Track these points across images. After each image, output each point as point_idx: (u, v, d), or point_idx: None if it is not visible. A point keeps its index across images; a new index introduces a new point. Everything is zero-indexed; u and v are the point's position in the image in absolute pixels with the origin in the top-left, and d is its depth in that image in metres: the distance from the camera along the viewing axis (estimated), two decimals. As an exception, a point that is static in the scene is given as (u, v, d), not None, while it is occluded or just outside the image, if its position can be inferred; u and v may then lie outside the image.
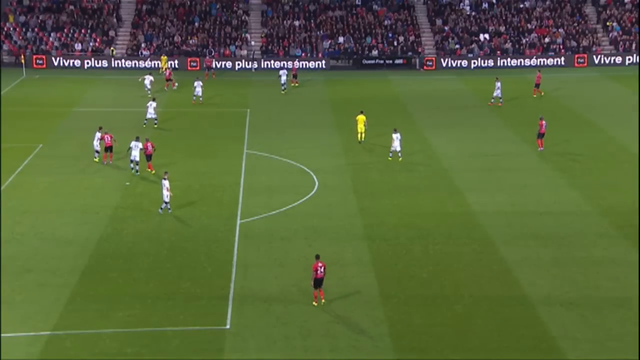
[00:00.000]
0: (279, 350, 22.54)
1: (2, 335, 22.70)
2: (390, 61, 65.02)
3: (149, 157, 36.58)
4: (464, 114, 49.29)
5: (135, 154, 36.06)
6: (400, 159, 39.42)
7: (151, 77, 52.92)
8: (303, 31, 67.01)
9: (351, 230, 31.20)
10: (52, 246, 28.98)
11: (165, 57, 62.06)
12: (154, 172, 36.32)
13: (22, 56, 59.66)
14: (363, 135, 42.34)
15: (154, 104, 44.90)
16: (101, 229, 30.53)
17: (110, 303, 24.75)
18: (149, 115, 44.63)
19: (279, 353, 22.40)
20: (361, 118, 42.44)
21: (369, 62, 65.11)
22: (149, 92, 51.86)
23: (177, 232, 30.53)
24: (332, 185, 36.35)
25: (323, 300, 25.03)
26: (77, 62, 62.28)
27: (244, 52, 65.07)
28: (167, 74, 54.72)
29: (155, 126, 44.74)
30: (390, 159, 39.56)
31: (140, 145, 36.35)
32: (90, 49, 63.68)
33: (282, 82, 53.90)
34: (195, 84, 51.86)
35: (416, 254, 29.02)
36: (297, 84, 53.14)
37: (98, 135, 38.05)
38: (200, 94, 51.36)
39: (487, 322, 24.08)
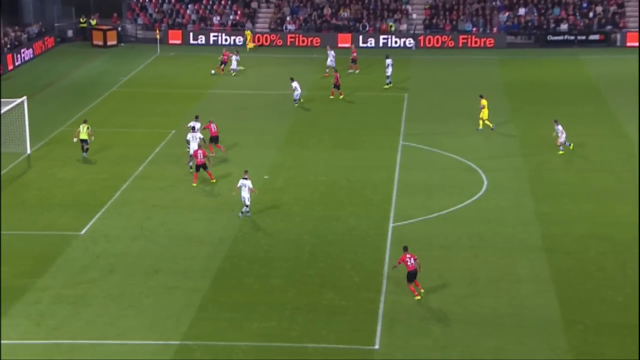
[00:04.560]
0: (435, 378, 22.55)
1: (129, 342, 24.18)
2: (584, 37, 62.83)
3: (203, 166, 35.26)
4: (675, 102, 46.70)
5: (194, 146, 36.33)
6: (572, 146, 38.98)
7: (333, 52, 54.15)
8: (475, 1, 66.09)
9: (527, 240, 30.57)
10: (183, 245, 30.49)
11: (250, 31, 63.33)
12: (213, 180, 35.52)
13: (157, 31, 63.02)
14: (488, 122, 42.32)
15: (294, 83, 46.40)
16: (236, 228, 31.74)
17: (244, 312, 25.70)
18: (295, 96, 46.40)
19: (436, 382, 22.40)
20: (484, 102, 42.42)
21: (556, 38, 63.25)
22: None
23: (321, 235, 31.16)
24: (505, 186, 35.72)
25: (422, 290, 26.37)
26: (216, 37, 64.93)
27: (404, 27, 65.17)
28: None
29: (296, 105, 46.50)
30: (562, 152, 38.88)
31: (198, 134, 36.70)
32: (230, 22, 66.26)
33: (388, 73, 51.23)
34: (327, 53, 54.04)
35: (609, 272, 27.99)
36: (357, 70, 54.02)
37: (197, 125, 38.76)
38: (332, 64, 53.29)
39: (699, 362, 22.75)
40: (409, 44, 63.54)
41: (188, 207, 33.91)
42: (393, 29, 63.98)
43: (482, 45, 63.17)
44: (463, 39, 63.42)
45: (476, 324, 24.99)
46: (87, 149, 38.92)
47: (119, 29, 65.23)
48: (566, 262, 28.83)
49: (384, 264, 28.78)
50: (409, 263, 26.15)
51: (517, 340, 24.15)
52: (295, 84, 46.72)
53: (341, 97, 48.48)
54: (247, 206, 32.09)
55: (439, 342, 24.09)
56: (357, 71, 54.98)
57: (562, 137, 39.01)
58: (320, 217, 32.84)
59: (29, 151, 39.85)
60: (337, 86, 48.39)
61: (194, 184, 35.57)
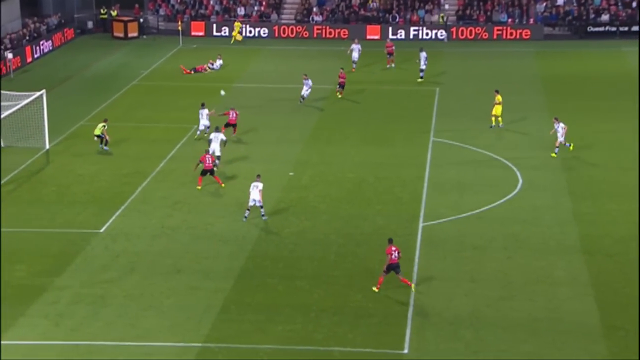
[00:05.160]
0: (467, 384, 22.49)
1: (149, 343, 24.36)
2: (626, 28, 62.18)
3: (210, 171, 35.03)
4: None
5: (215, 147, 36.87)
6: (571, 146, 38.16)
7: (359, 46, 53.99)
8: (510, -10, 65.78)
9: (564, 241, 30.38)
10: (205, 244, 30.63)
11: (239, 23, 63.21)
12: (199, 187, 35.00)
13: (180, 22, 63.31)
14: (500, 119, 41.72)
15: (309, 82, 46.00)
16: (260, 227, 31.82)
17: (268, 314, 25.77)
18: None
19: (467, 388, 22.34)
20: (499, 98, 41.88)
21: (597, 29, 62.70)
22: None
23: (348, 234, 31.15)
24: (541, 184, 35.51)
25: (413, 285, 26.68)
26: (240, 29, 64.83)
27: (435, 18, 64.93)
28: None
29: (300, 103, 46.25)
30: (554, 155, 38.02)
31: (221, 135, 37.28)
32: (254, 13, 66.40)
33: (421, 67, 51.09)
34: (353, 46, 53.58)
35: (650, 275, 27.74)
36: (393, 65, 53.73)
37: (205, 112, 40.77)
38: (356, 59, 53.22)
39: None
40: (441, 35, 63.30)
41: (210, 204, 34.05)
42: (445, 18, 63.51)
43: (517, 37, 62.76)
44: (498, 30, 63.05)
45: (510, 328, 24.87)
46: (105, 142, 39.27)
47: (141, 20, 65.61)
48: (606, 265, 28.59)
49: (414, 265, 28.72)
50: (393, 256, 26.60)
51: (553, 345, 23.99)
52: (309, 82, 45.97)
53: (339, 96, 47.58)
54: (261, 207, 31.94)
55: (471, 347, 23.99)
56: (392, 65, 54.51)
57: (561, 137, 37.95)
58: (347, 215, 32.83)
59: (47, 146, 40.23)
60: (341, 85, 47.54)
61: (199, 187, 35.19)
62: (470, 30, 63.15)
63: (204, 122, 41.04)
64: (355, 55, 53.71)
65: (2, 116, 38.21)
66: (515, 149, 39.54)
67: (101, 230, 31.61)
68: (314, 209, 33.47)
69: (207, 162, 34.99)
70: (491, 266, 28.66)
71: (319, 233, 31.37)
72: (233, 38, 62.75)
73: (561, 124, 38.21)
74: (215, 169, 35.99)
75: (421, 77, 51.39)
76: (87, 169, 37.94)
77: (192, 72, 54.01)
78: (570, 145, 38.30)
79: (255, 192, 31.67)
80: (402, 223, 32.00)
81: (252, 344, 24.23)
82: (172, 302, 26.55)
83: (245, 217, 32.06)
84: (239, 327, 25.09)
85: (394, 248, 26.86)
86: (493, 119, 42.29)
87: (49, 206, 33.92)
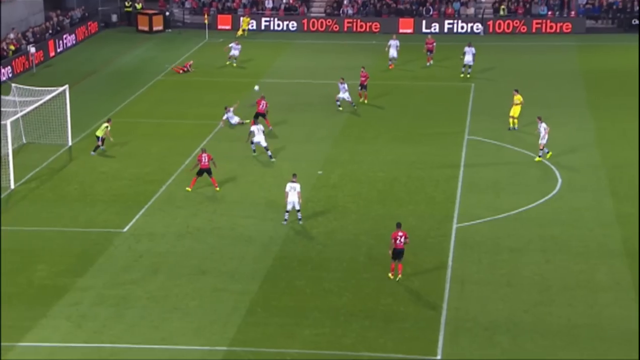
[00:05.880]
0: (502, 393, 22.40)
1: (174, 346, 24.48)
2: (673, 21, 61.64)
3: (207, 171, 34.76)
4: None
5: (260, 139, 37.70)
6: (549, 154, 37.56)
7: (397, 42, 53.56)
8: (550, -18, 65.33)
9: (606, 243, 30.16)
10: (231, 244, 30.74)
11: (248, 18, 63.13)
12: (218, 189, 35.08)
13: (206, 15, 63.62)
14: (516, 121, 41.31)
15: (345, 85, 44.97)
16: (287, 227, 31.88)
17: (295, 317, 25.82)
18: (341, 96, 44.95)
19: (503, 397, 22.24)
20: (519, 98, 41.31)
21: (642, 22, 62.17)
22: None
23: (378, 235, 31.11)
24: (581, 184, 35.26)
25: (400, 276, 27.37)
26: (268, 23, 65.25)
27: (471, 11, 64.64)
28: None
29: (340, 109, 45.13)
30: (540, 159, 37.49)
31: (260, 127, 38.07)
32: (282, 7, 66.53)
33: (466, 62, 50.59)
34: (391, 42, 53.31)
35: (697, 281, 27.43)
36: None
37: (230, 114, 41.86)
38: (395, 55, 52.87)
39: None
40: (477, 29, 63.00)
41: (237, 204, 34.17)
42: (505, 12, 63.14)
43: (558, 30, 62.34)
44: (537, 23, 62.67)
45: (549, 334, 24.72)
46: (97, 147, 39.07)
47: (166, 13, 65.99)
48: (649, 269, 28.34)
49: (447, 268, 28.63)
50: (397, 241, 26.95)
51: (594, 353, 23.82)
52: (345, 85, 44.67)
53: (365, 101, 46.19)
54: (298, 211, 31.91)
55: (507, 354, 23.87)
56: (429, 63, 54.03)
57: (544, 139, 37.23)
58: (378, 216, 32.79)
59: (70, 143, 40.59)
60: (363, 86, 46.07)
61: (189, 189, 34.88)
62: (508, 24, 62.81)
63: (235, 120, 42.27)
64: (392, 52, 53.23)
65: (25, 112, 38.61)
66: (553, 147, 39.21)
67: (124, 230, 31.84)
68: (343, 208, 33.47)
69: (204, 161, 34.79)
70: (529, 270, 28.49)
71: (348, 234, 31.37)
72: (240, 31, 62.71)
73: (543, 125, 37.55)
74: (272, 160, 37.47)
75: (462, 72, 51.14)
76: (110, 166, 38.22)
77: (184, 70, 53.94)
78: (548, 152, 37.59)
79: (294, 195, 31.54)
80: (435, 224, 31.91)
81: (279, 348, 24.28)
82: (197, 304, 26.67)
83: (285, 220, 31.93)
84: (265, 331, 25.16)
85: (400, 233, 27.22)
86: (511, 120, 41.72)
87: (71, 204, 34.22)
